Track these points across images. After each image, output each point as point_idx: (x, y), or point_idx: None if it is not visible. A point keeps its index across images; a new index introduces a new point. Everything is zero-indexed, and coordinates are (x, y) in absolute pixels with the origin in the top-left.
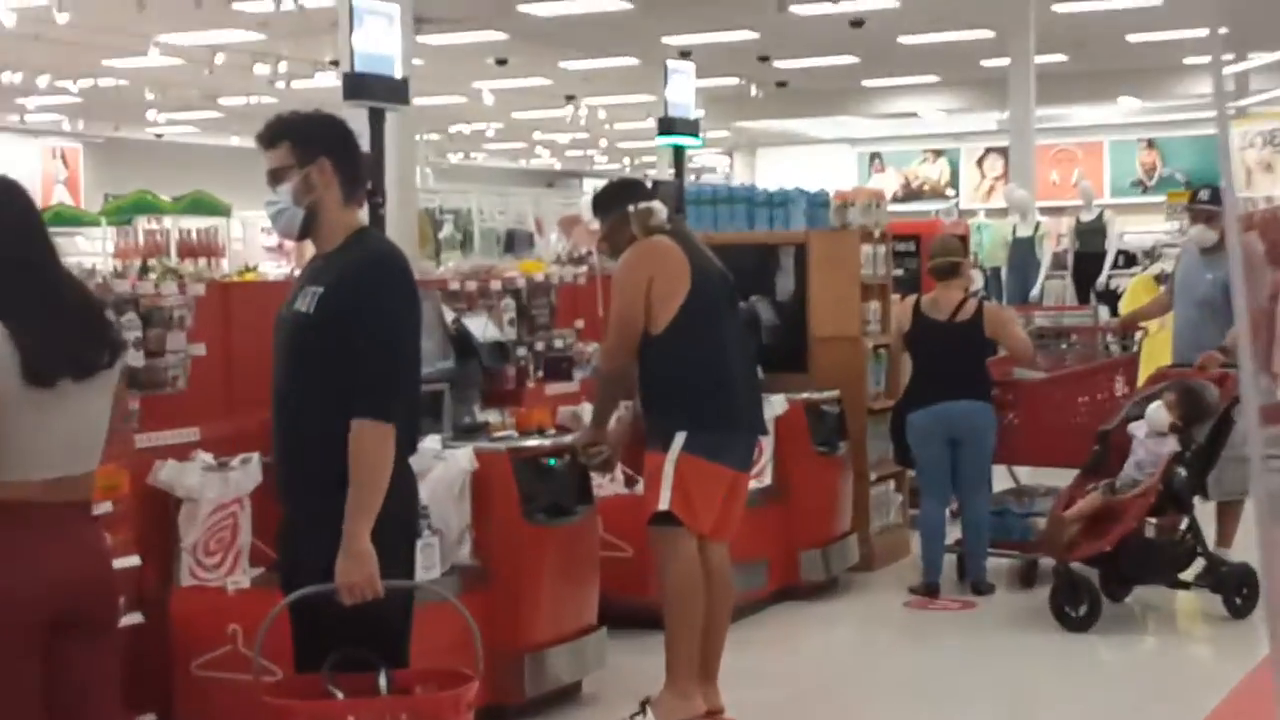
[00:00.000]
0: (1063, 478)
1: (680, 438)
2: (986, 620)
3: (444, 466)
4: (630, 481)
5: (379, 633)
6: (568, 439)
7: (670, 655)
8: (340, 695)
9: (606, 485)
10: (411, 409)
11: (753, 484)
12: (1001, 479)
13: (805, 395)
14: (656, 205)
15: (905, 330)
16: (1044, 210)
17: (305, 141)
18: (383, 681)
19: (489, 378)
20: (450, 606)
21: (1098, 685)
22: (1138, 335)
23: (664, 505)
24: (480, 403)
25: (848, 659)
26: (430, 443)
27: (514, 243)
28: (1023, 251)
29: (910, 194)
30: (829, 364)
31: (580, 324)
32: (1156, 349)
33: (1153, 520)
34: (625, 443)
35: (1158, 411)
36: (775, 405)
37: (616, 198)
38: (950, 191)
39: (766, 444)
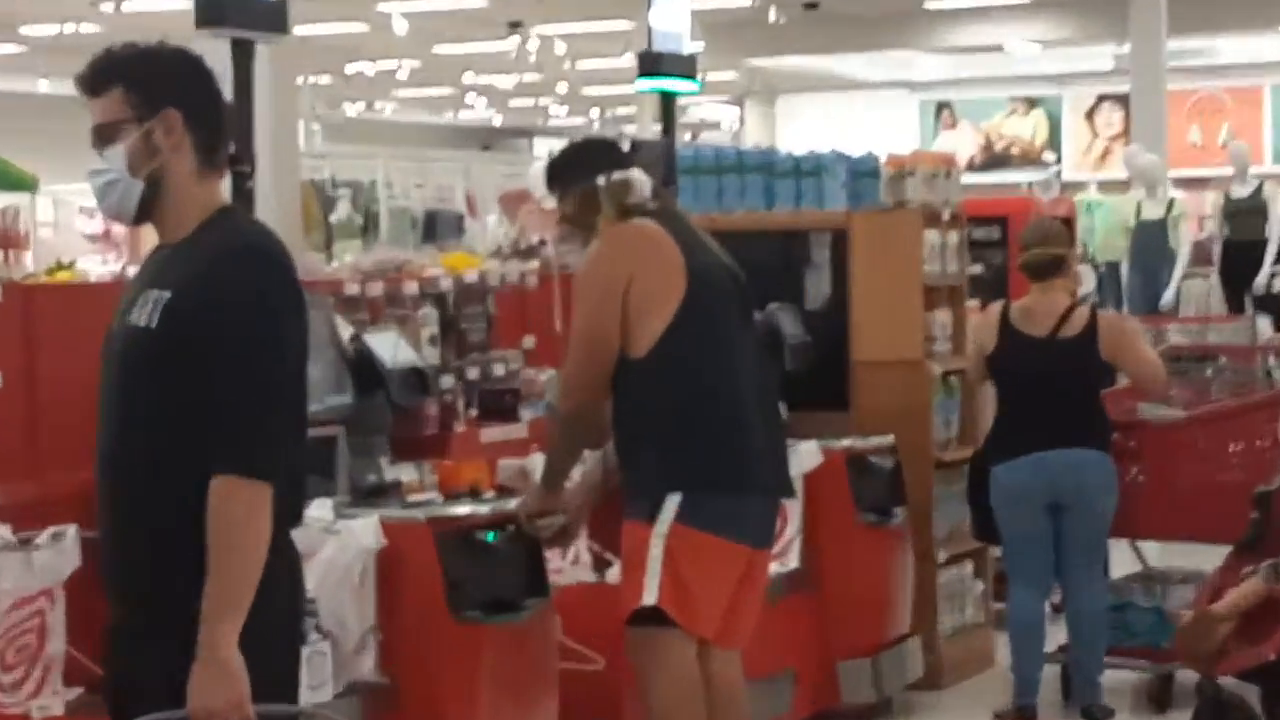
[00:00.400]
0: (1208, 557)
1: (672, 502)
2: None
3: (338, 544)
4: (601, 564)
5: None
6: (512, 504)
7: None
8: None
9: (567, 569)
10: (294, 462)
11: (774, 567)
12: (1123, 559)
13: (847, 442)
14: (636, 175)
15: (989, 351)
16: (1179, 182)
17: (145, 86)
18: None
19: (401, 418)
20: None
21: None
22: None
23: (649, 598)
24: (390, 453)
25: None
26: (319, 510)
27: (436, 228)
28: (1151, 240)
29: (993, 159)
30: (880, 398)
31: (530, 342)
32: None
33: None
34: (593, 509)
35: None
36: (805, 456)
37: (581, 165)
38: (1049, 156)
39: (793, 511)
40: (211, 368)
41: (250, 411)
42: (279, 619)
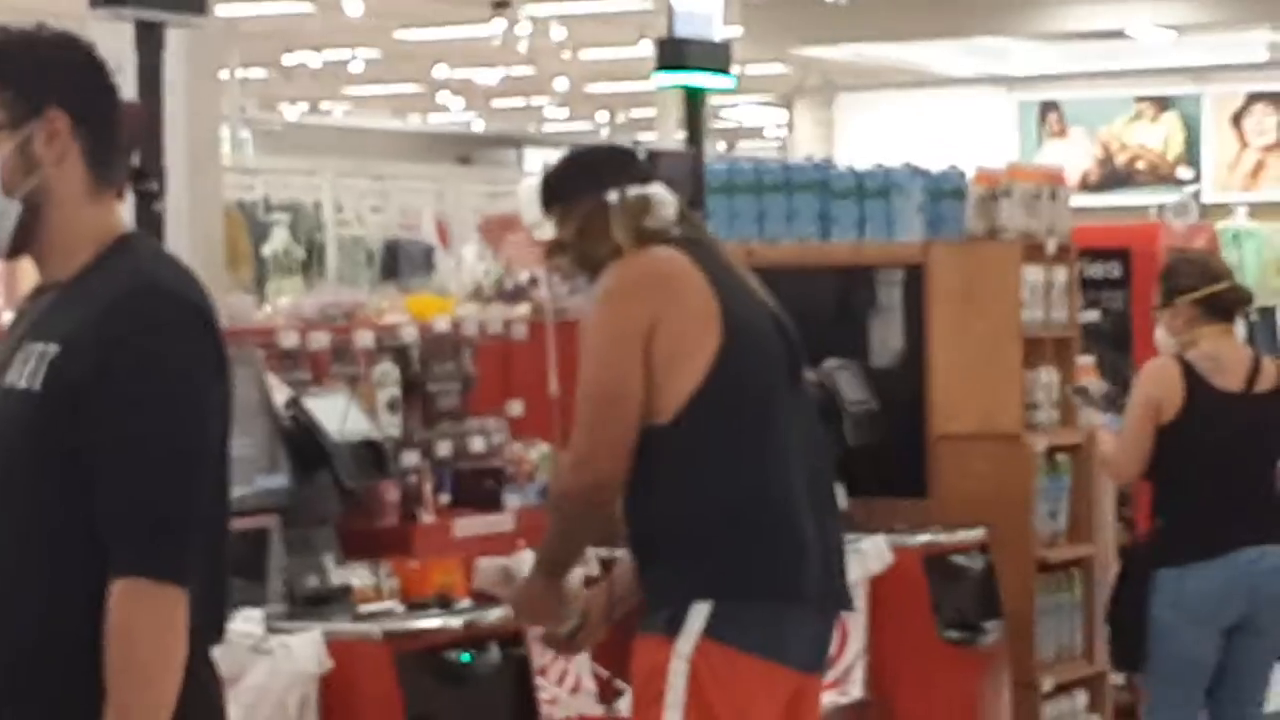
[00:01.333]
0: None
1: (700, 612)
2: None
3: (270, 666)
4: (608, 692)
5: None
6: (493, 615)
7: None
8: None
9: (564, 699)
10: (214, 562)
11: (830, 697)
12: None
13: (925, 538)
14: (657, 193)
15: (1171, 416)
16: None
17: (20, 82)
18: None
19: (352, 506)
20: None
21: None
22: None
23: None
24: (337, 551)
25: None
26: (247, 623)
27: (398, 263)
28: None
29: (1114, 176)
30: (967, 482)
31: (517, 409)
32: None
33: None
34: (606, 619)
35: None
36: (871, 556)
37: (585, 180)
38: (1184, 172)
39: (854, 626)
40: (108, 442)
41: (157, 498)
42: None
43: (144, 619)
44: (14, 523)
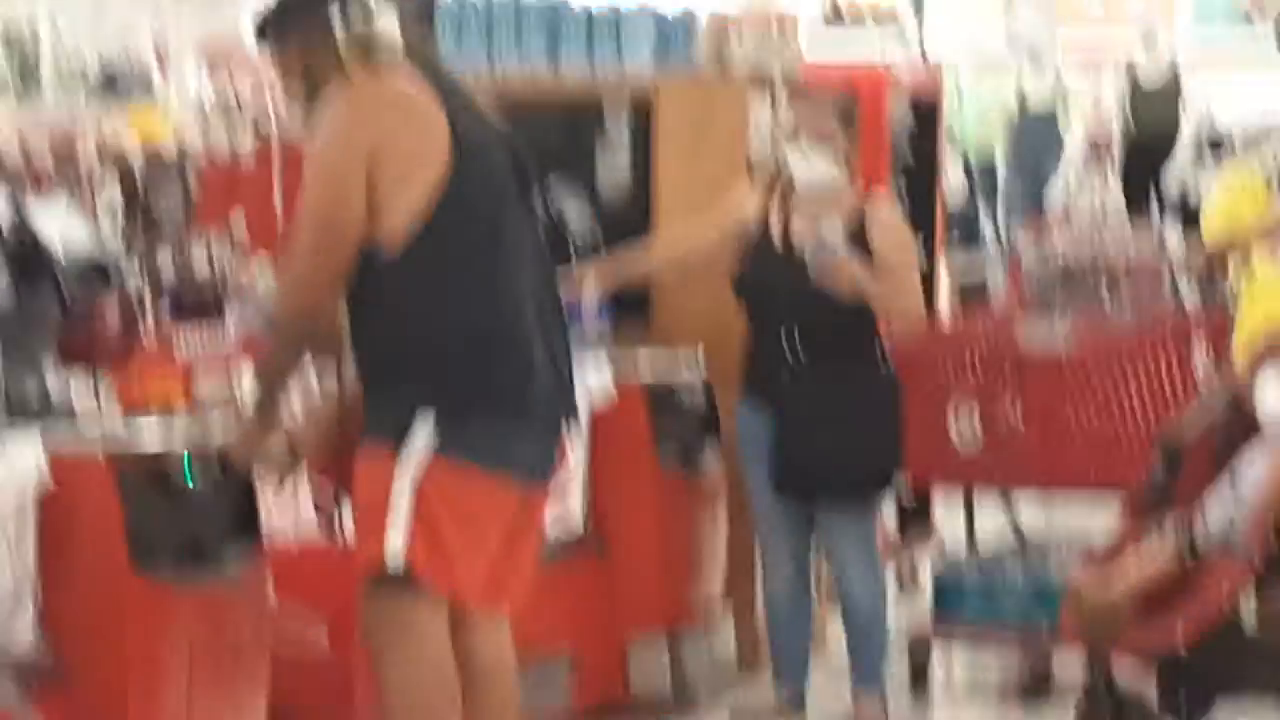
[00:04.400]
0: (1095, 518)
1: (424, 426)
2: None
3: None
4: (330, 505)
5: None
6: (213, 427)
7: None
8: None
9: (281, 511)
10: None
11: (550, 528)
12: (993, 520)
13: (647, 367)
14: (383, 16)
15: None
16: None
17: None
18: None
19: (74, 319)
20: None
21: None
22: (1230, 274)
23: (393, 554)
24: (58, 363)
25: None
26: None
27: (116, 86)
28: (1036, 132)
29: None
30: (691, 310)
31: (239, 225)
32: (1268, 297)
33: (1254, 598)
34: (326, 445)
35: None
36: (594, 390)
37: (310, 5)
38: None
39: (575, 453)
40: None
41: None
42: None
43: None
44: None
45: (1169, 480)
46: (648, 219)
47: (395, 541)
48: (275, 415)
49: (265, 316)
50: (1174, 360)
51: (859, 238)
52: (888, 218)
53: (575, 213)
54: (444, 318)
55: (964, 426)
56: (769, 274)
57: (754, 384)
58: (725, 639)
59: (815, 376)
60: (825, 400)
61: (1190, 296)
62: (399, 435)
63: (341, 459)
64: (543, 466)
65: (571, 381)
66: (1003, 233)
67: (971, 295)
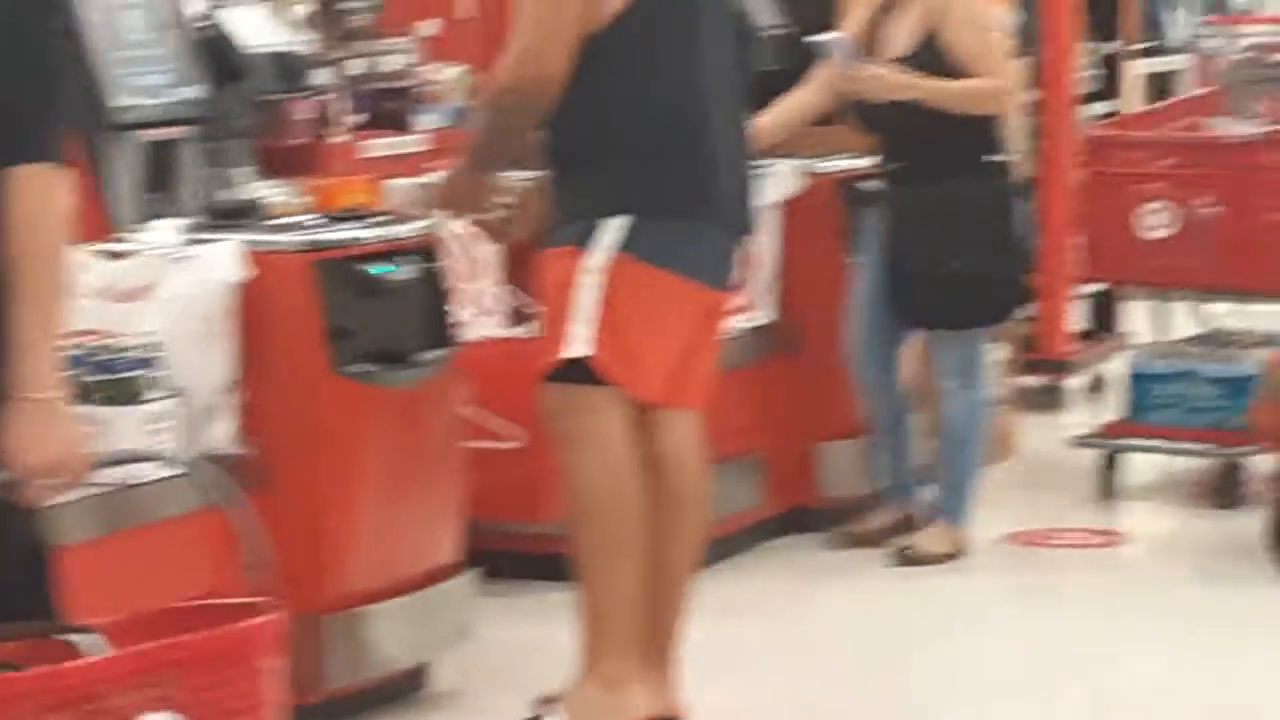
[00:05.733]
0: None
1: (613, 226)
2: (1143, 561)
3: (187, 275)
4: (520, 316)
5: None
6: (410, 228)
7: (588, 620)
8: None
9: (476, 320)
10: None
11: (740, 320)
12: (1183, 319)
13: (838, 163)
14: None
15: None
16: None
17: None
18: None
19: (263, 125)
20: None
21: None
22: None
23: (578, 349)
24: (251, 165)
25: (890, 630)
26: (163, 234)
27: None
28: None
29: None
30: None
31: (430, 29)
32: None
33: None
34: (540, 213)
35: None
36: (782, 179)
37: None
38: None
39: (766, 249)
40: None
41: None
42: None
43: (36, 204)
44: None
45: None
46: (832, 9)
47: (580, 338)
48: (490, 174)
49: (484, 110)
50: None
51: (929, 41)
52: (962, 11)
53: (762, 5)
54: (636, 112)
55: (1154, 224)
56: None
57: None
58: (919, 442)
59: (907, 190)
60: (919, 217)
61: None
62: (587, 233)
63: (527, 266)
64: (724, 271)
65: (749, 191)
66: (1188, 26)
67: (1162, 89)
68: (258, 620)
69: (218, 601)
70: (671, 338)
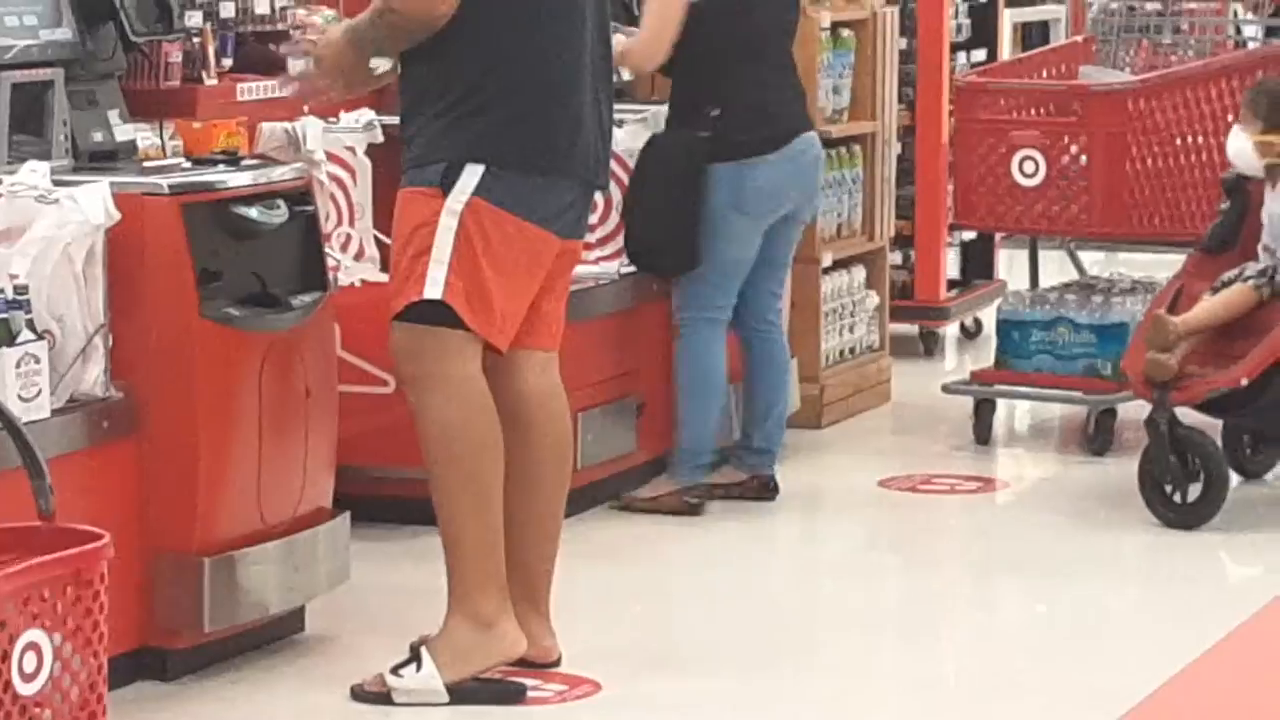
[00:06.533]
0: (1161, 265)
1: (474, 172)
2: (1015, 506)
3: (56, 217)
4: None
5: None
6: (279, 173)
7: (451, 560)
8: None
9: (349, 265)
10: None
11: (596, 268)
12: (1057, 267)
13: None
14: None
15: None
16: None
17: None
18: None
19: (136, 65)
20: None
21: (1212, 622)
22: None
23: (433, 291)
24: (122, 107)
25: (759, 574)
26: (32, 176)
27: None
28: None
29: None
30: None
31: None
32: None
33: None
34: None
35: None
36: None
37: None
38: None
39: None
40: None
41: None
42: None
43: None
44: None
45: (1235, 220)
46: None
47: (436, 280)
48: (365, 59)
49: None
50: (1239, 97)
51: None
52: None
53: None
54: (505, 62)
55: (1025, 172)
56: None
57: None
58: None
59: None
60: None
61: (1254, 31)
62: (448, 176)
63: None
64: (579, 222)
65: (609, 146)
66: None
67: (1033, 37)
68: (100, 544)
69: (36, 525)
70: (523, 283)
